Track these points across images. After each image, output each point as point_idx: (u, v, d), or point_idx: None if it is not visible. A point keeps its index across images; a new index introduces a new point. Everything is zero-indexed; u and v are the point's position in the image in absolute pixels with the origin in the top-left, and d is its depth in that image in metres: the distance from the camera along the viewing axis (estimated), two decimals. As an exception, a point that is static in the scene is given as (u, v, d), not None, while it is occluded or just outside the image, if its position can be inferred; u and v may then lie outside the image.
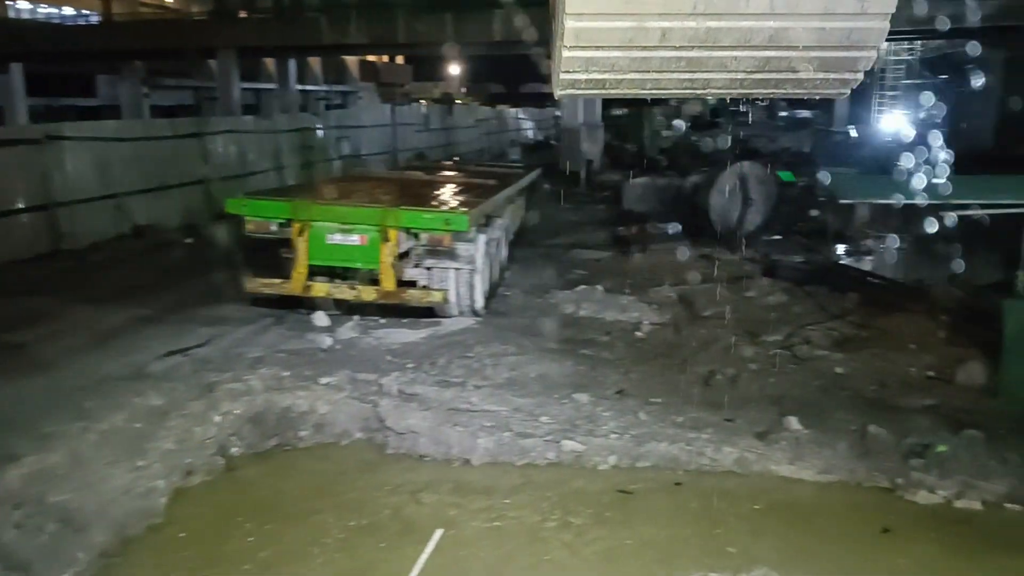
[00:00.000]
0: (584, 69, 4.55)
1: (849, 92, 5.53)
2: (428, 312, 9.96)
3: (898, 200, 7.44)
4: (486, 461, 6.87)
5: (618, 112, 31.23)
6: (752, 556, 5.57)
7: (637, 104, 26.93)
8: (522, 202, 14.28)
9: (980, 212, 6.85)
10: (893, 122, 30.72)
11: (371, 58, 48.74)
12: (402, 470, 6.85)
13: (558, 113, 26.22)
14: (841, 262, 13.96)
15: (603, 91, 4.88)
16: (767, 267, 12.74)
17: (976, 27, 20.74)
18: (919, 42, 29.42)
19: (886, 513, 6.22)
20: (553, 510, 6.17)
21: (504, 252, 12.35)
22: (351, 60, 48.73)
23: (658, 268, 13.10)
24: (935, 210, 9.79)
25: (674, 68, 4.60)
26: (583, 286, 11.66)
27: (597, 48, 4.35)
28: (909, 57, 30.16)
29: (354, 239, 9.56)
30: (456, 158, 25.78)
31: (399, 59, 49.38)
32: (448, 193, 12.00)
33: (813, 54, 4.60)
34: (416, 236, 9.58)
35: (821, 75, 4.81)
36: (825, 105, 33.98)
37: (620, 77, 4.54)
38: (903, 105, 30.57)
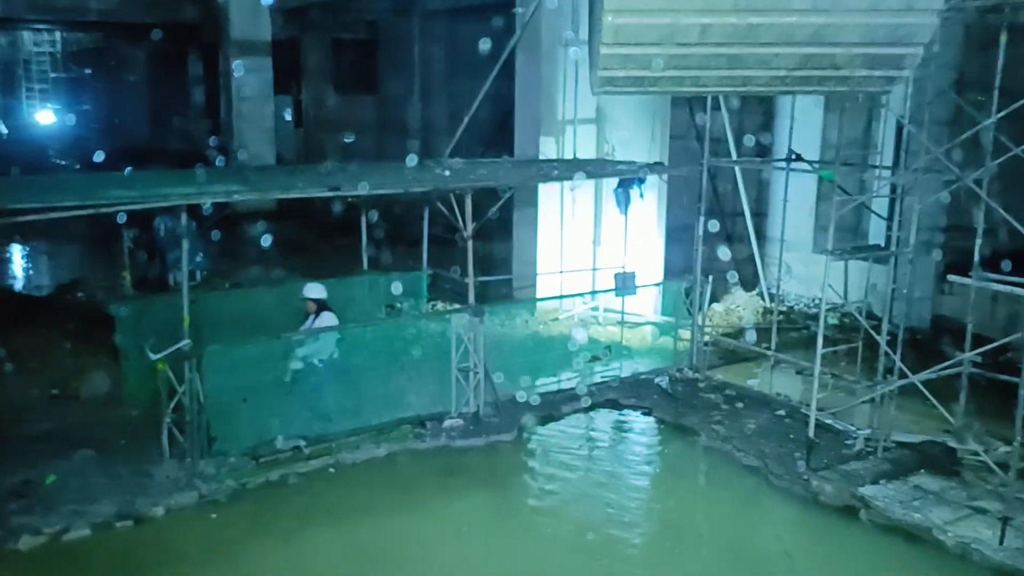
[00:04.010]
0: (623, 66, 4.71)
1: (892, 90, 5.77)
2: None
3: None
4: None
5: None
6: None
7: None
8: None
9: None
10: (46, 117, 29.22)
11: None
12: None
13: None
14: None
15: (642, 89, 5.02)
16: None
17: (115, 22, 20.39)
18: (61, 34, 28.18)
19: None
20: None
21: None
22: None
23: None
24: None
25: (714, 65, 4.78)
26: None
27: (636, 44, 4.49)
28: (52, 49, 28.72)
29: None
30: None
31: None
32: None
33: (858, 51, 4.98)
34: None
35: (865, 72, 5.18)
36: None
37: (659, 74, 4.72)
38: (54, 99, 29.12)
